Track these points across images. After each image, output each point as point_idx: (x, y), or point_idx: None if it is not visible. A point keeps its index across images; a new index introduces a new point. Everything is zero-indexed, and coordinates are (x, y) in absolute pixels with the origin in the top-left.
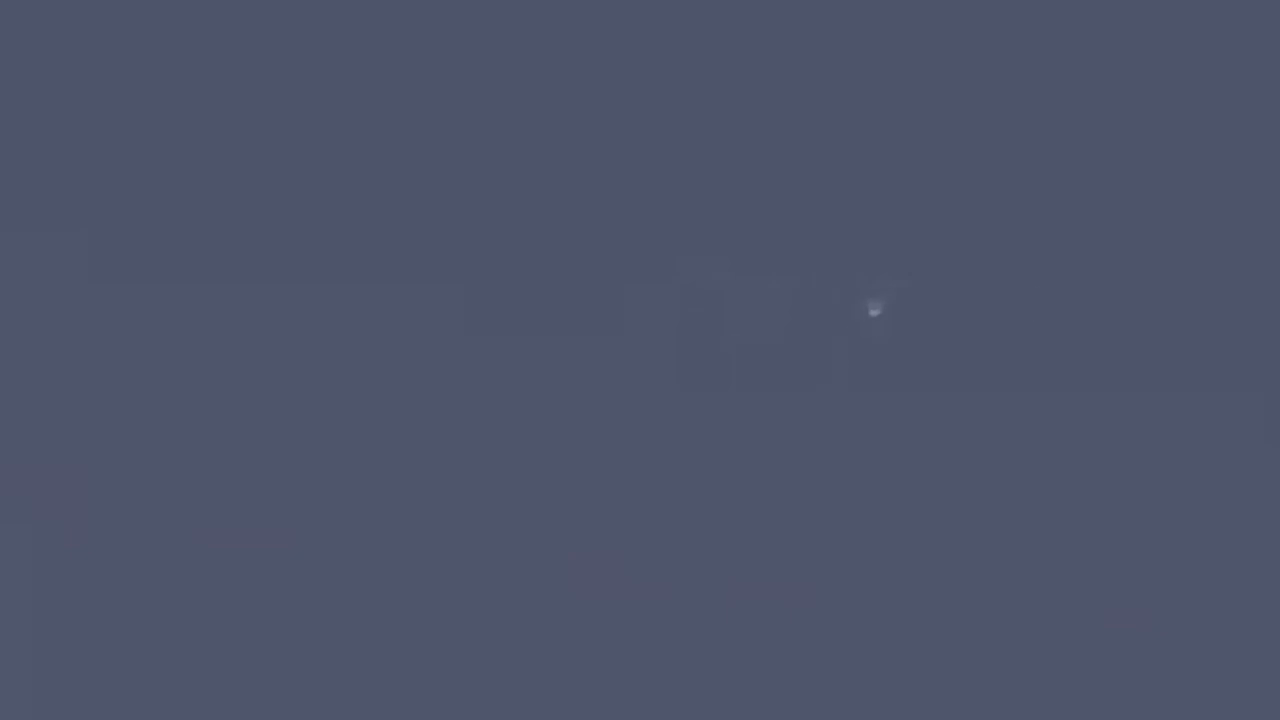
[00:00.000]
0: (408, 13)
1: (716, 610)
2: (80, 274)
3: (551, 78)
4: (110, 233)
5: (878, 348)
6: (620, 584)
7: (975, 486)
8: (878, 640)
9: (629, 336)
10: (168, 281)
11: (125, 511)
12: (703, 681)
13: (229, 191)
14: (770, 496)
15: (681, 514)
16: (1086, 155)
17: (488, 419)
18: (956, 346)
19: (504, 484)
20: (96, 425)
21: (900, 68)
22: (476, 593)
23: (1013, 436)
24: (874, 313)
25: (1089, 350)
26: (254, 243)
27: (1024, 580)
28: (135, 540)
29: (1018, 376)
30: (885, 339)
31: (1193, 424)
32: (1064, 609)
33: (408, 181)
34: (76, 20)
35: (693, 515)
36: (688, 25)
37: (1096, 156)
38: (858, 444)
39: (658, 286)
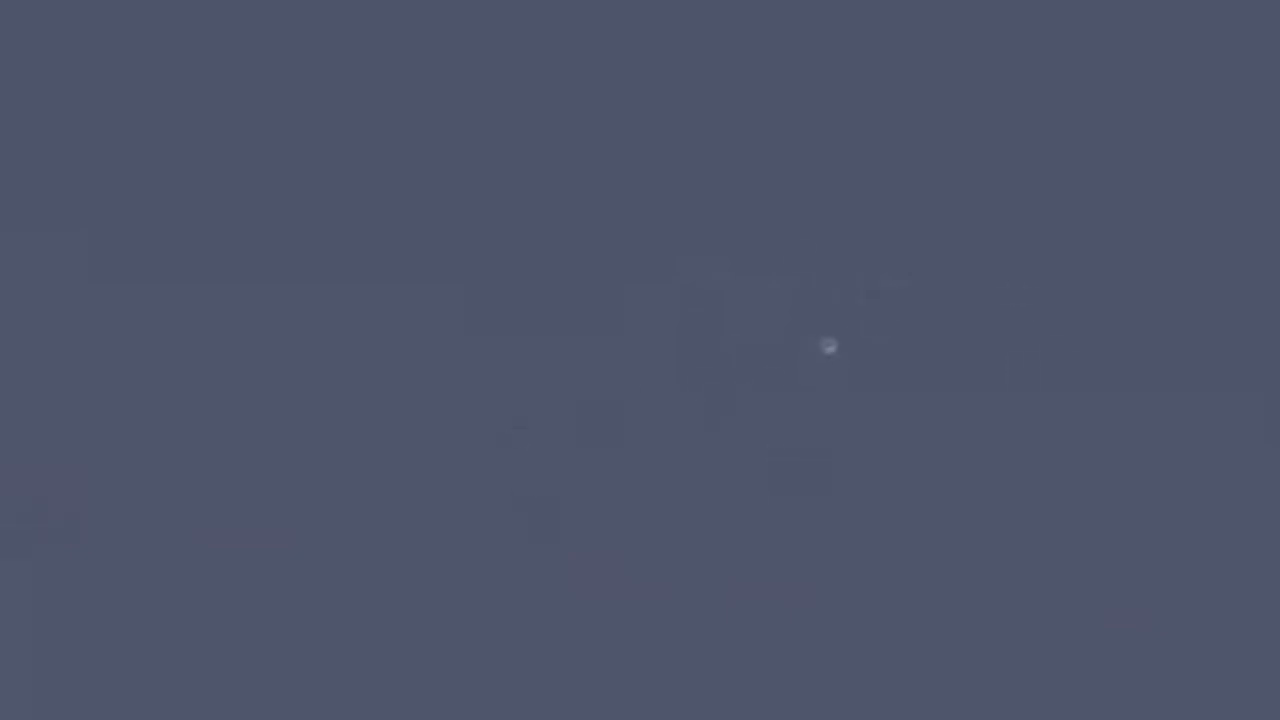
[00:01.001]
0: (407, 12)
1: (716, 610)
2: (80, 274)
3: (550, 77)
4: (110, 233)
5: (878, 348)
6: (620, 584)
7: (975, 486)
8: (878, 640)
9: (629, 336)
10: (168, 281)
11: (125, 511)
12: (703, 682)
13: (228, 191)
14: (770, 496)
15: (681, 514)
16: (1086, 155)
17: (487, 419)
18: (956, 346)
19: (504, 484)
20: (96, 425)
21: (900, 68)
22: (476, 592)
23: (1013, 437)
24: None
25: (1088, 350)
26: (254, 243)
27: (1024, 580)
28: (135, 540)
29: (1018, 377)
30: (885, 339)
31: (1193, 424)
32: (1064, 609)
33: (407, 181)
34: (76, 20)
35: (693, 515)
36: (687, 25)
37: (1096, 157)
38: (857, 444)
39: (658, 286)
